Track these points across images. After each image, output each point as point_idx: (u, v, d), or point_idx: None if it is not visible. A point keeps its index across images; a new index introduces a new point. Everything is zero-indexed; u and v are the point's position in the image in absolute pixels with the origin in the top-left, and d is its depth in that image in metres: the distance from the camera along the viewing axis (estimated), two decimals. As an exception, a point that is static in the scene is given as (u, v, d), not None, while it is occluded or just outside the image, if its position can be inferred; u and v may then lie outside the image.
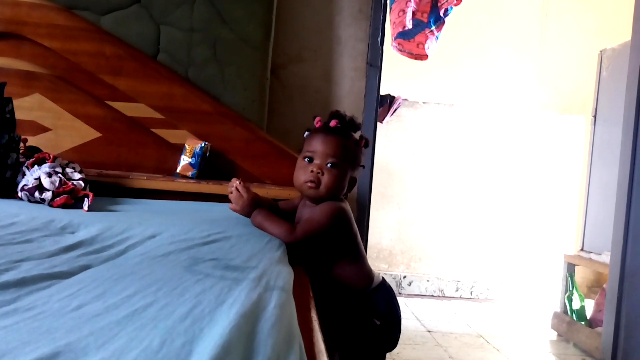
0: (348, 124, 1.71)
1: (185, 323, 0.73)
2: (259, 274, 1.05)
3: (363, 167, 1.78)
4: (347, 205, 1.70)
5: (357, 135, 1.74)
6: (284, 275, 1.11)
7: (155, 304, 0.81)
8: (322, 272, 1.67)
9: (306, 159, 1.66)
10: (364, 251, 1.78)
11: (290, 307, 0.90)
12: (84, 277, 0.96)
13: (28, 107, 2.38)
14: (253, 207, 1.67)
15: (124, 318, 0.74)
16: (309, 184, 1.64)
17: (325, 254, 1.67)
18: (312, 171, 1.64)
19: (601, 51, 3.93)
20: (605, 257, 3.41)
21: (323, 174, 1.63)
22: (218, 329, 0.71)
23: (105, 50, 2.44)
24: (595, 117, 3.94)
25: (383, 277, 1.80)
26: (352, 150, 1.69)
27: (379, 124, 3.95)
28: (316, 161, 1.65)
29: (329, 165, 1.64)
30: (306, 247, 1.58)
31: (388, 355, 2.76)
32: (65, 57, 2.43)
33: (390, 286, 1.80)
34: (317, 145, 1.65)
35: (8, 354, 0.58)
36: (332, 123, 1.68)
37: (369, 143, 1.78)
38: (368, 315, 1.72)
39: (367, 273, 1.73)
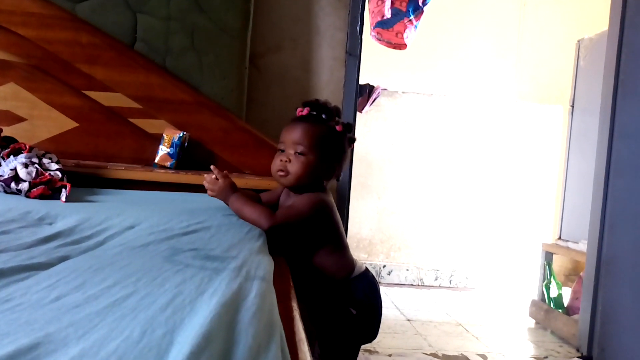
0: (320, 110, 1.70)
1: (166, 313, 0.73)
2: (239, 264, 1.05)
3: (344, 152, 1.74)
4: (328, 196, 1.71)
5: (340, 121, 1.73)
6: (265, 265, 1.11)
7: (135, 295, 0.80)
8: (302, 262, 1.67)
9: (280, 150, 1.68)
10: (346, 241, 1.77)
11: (270, 297, 0.90)
12: (62, 268, 0.95)
13: (3, 96, 2.34)
14: (231, 190, 1.67)
15: (104, 309, 0.74)
16: (280, 173, 1.67)
17: (305, 244, 1.67)
18: (281, 160, 1.66)
19: (579, 41, 3.96)
20: (582, 246, 3.46)
21: (291, 162, 1.65)
22: (199, 318, 0.71)
23: (81, 39, 2.40)
24: (572, 106, 3.97)
25: (367, 268, 1.79)
26: (326, 136, 1.68)
27: (358, 113, 3.96)
28: (286, 150, 1.67)
29: (297, 153, 1.65)
30: (284, 235, 1.58)
31: (368, 344, 2.77)
32: (40, 46, 2.39)
33: (373, 277, 1.79)
34: (286, 135, 1.68)
35: (-14, 346, 0.58)
36: (299, 111, 1.70)
37: (351, 127, 1.76)
38: (345, 304, 1.72)
39: (348, 263, 1.73)
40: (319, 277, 1.70)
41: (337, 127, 1.70)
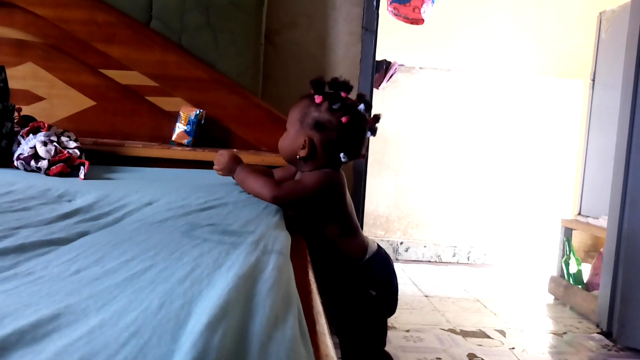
0: (316, 87, 1.62)
1: (184, 285, 0.73)
2: (256, 238, 1.05)
3: (322, 126, 1.59)
4: (340, 176, 1.65)
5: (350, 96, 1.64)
6: (282, 239, 1.11)
7: (153, 268, 0.81)
8: (312, 241, 1.62)
9: None
10: (357, 222, 1.72)
11: (288, 270, 0.91)
12: (82, 243, 0.96)
13: (21, 76, 2.36)
14: (236, 162, 1.68)
15: (123, 281, 0.74)
16: None
17: (312, 221, 1.64)
18: None
19: (600, 13, 3.89)
20: (603, 222, 3.43)
21: None
22: (217, 290, 0.71)
23: (97, 17, 2.41)
24: (593, 80, 3.92)
25: (378, 245, 1.76)
26: (308, 110, 1.61)
27: (375, 90, 3.94)
28: None
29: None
30: (289, 208, 1.57)
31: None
32: (57, 26, 2.40)
33: (386, 253, 1.76)
34: None
35: (9, 316, 0.58)
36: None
37: (336, 97, 1.58)
38: (363, 287, 1.69)
39: (360, 244, 1.70)
40: (334, 258, 1.68)
41: (316, 98, 1.59)
